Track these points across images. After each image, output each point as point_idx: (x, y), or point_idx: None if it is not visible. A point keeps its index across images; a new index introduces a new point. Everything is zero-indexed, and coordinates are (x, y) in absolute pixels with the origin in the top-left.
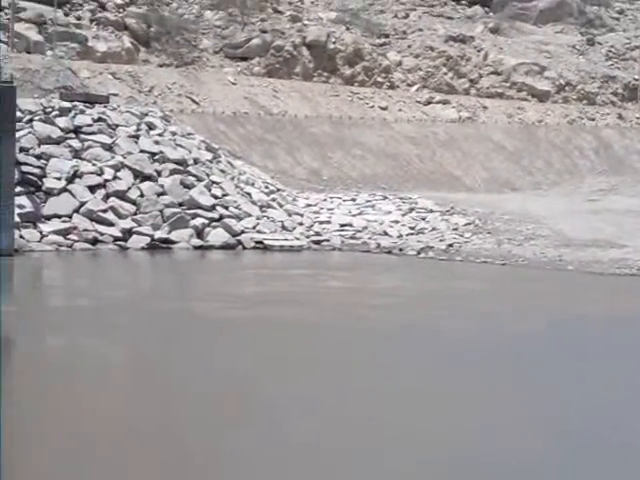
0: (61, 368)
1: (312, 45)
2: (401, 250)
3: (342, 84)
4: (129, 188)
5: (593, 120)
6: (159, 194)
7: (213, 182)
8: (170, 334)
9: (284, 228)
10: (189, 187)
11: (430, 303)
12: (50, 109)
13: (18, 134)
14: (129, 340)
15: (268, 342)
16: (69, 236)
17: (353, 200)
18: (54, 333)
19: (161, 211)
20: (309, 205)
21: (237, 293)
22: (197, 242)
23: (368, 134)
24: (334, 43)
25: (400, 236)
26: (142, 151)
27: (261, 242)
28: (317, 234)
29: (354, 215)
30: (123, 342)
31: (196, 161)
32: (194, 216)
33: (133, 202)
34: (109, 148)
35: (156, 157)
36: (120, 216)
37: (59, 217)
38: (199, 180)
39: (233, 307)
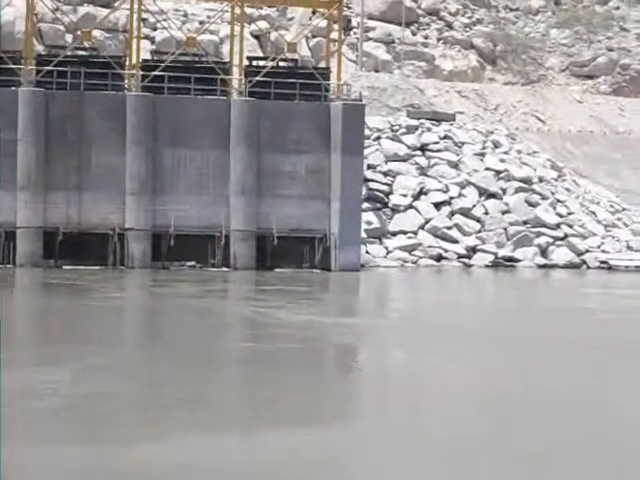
0: (401, 380)
1: None
2: None
3: None
4: (474, 206)
5: None
6: (503, 212)
7: (558, 200)
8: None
9: (629, 248)
10: (534, 205)
11: None
12: (397, 127)
13: (366, 151)
14: (479, 358)
15: None
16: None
17: None
18: (394, 346)
19: (505, 229)
20: None
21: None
22: (541, 260)
23: None
24: None
25: None
26: (487, 169)
27: (606, 262)
28: None
29: None
30: (465, 360)
31: (541, 179)
32: (538, 234)
33: (477, 220)
34: (455, 166)
35: (501, 175)
36: (464, 233)
37: (404, 233)
38: (544, 198)
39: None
